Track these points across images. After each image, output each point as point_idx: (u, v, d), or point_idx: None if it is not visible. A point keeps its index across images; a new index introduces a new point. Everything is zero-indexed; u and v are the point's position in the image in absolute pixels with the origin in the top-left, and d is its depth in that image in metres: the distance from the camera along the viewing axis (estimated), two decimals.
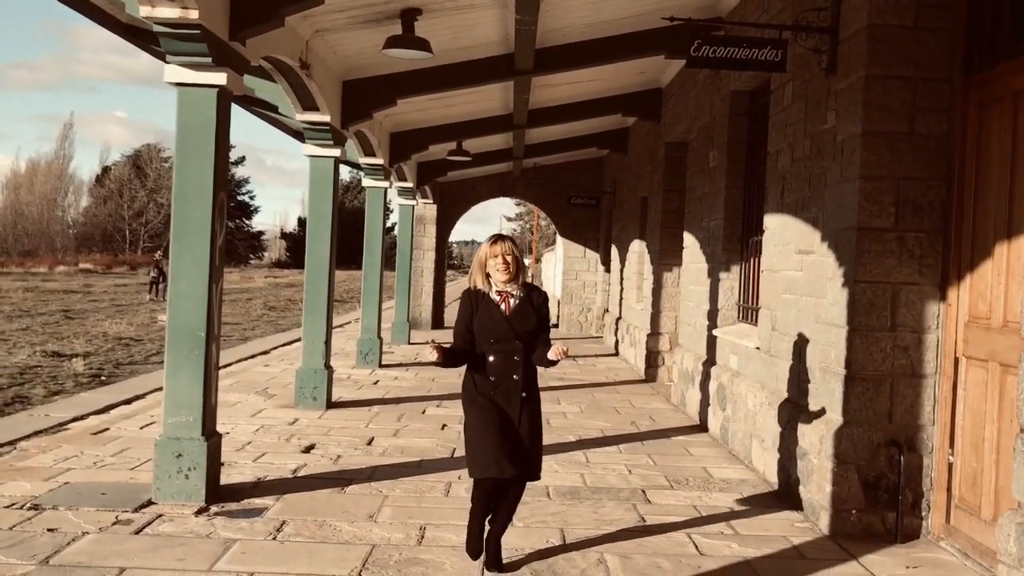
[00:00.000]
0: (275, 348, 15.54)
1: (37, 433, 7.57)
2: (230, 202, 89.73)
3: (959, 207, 5.34)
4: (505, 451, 4.44)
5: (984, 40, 5.21)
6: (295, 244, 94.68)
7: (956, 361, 5.32)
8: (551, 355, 4.43)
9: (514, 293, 4.59)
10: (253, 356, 14.29)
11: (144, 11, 5.13)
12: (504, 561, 4.69)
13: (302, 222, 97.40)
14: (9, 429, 7.70)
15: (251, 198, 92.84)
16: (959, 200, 5.34)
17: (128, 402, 9.27)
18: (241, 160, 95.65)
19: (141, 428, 7.94)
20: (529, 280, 4.76)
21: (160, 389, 9.94)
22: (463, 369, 4.70)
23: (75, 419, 8.25)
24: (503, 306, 4.58)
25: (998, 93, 5.02)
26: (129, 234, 79.79)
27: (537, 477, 4.70)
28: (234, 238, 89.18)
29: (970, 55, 5.34)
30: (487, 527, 4.72)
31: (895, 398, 5.46)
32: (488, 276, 4.61)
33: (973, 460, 5.11)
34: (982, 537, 4.88)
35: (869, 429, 5.45)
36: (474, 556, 4.72)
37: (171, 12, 5.11)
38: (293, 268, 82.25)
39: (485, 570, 4.65)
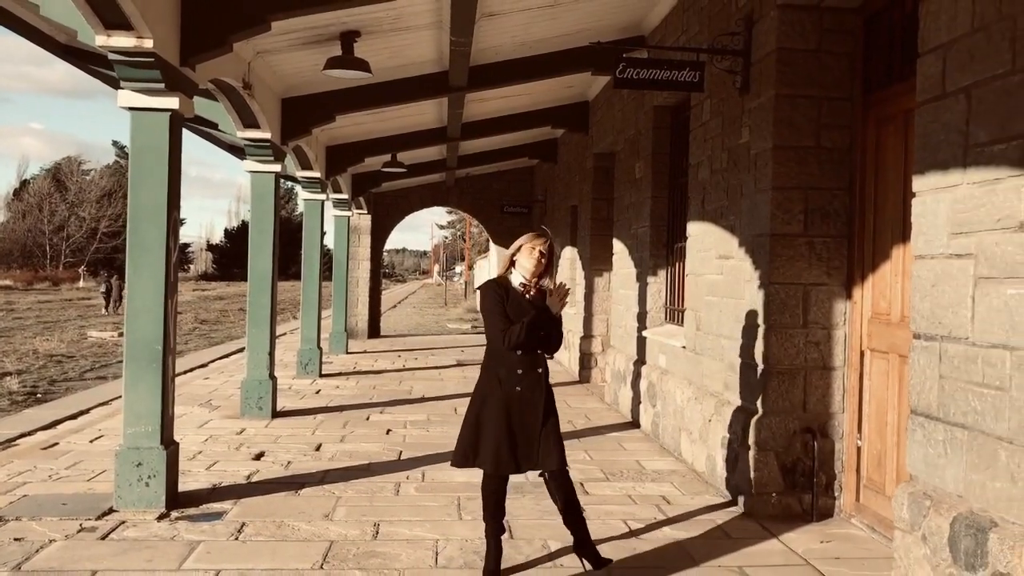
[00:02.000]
0: (213, 361, 15.60)
1: None
2: None
3: (861, 214, 5.89)
4: (525, 448, 4.56)
5: (880, 63, 5.77)
6: (222, 256, 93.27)
7: (862, 354, 5.86)
8: (553, 304, 4.55)
9: (535, 285, 4.64)
10: (192, 369, 14.36)
11: (100, 40, 5.37)
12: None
13: (229, 234, 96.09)
14: None
15: None
16: (861, 207, 5.89)
17: (74, 417, 9.36)
18: None
19: (91, 442, 8.08)
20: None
21: (104, 404, 10.20)
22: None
23: (22, 435, 8.33)
24: (528, 296, 4.62)
25: (892, 111, 5.57)
26: (50, 249, 77.70)
27: (561, 466, 4.63)
28: None
29: (868, 76, 5.90)
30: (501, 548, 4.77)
31: (808, 389, 5.98)
32: (513, 264, 4.67)
33: (878, 443, 5.65)
34: (887, 512, 5.41)
35: (786, 418, 5.97)
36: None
37: (127, 41, 5.37)
38: (220, 280, 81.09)
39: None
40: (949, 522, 3.70)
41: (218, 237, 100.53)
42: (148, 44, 5.41)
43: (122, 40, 5.37)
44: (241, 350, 17.03)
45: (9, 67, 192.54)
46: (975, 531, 3.52)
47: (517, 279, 4.65)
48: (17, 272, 67.43)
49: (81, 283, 64.99)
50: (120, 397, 10.39)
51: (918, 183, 4.11)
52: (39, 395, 12.55)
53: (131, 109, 5.77)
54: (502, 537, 4.81)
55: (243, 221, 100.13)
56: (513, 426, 4.57)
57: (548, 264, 4.65)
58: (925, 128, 4.05)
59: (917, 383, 4.09)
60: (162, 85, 5.70)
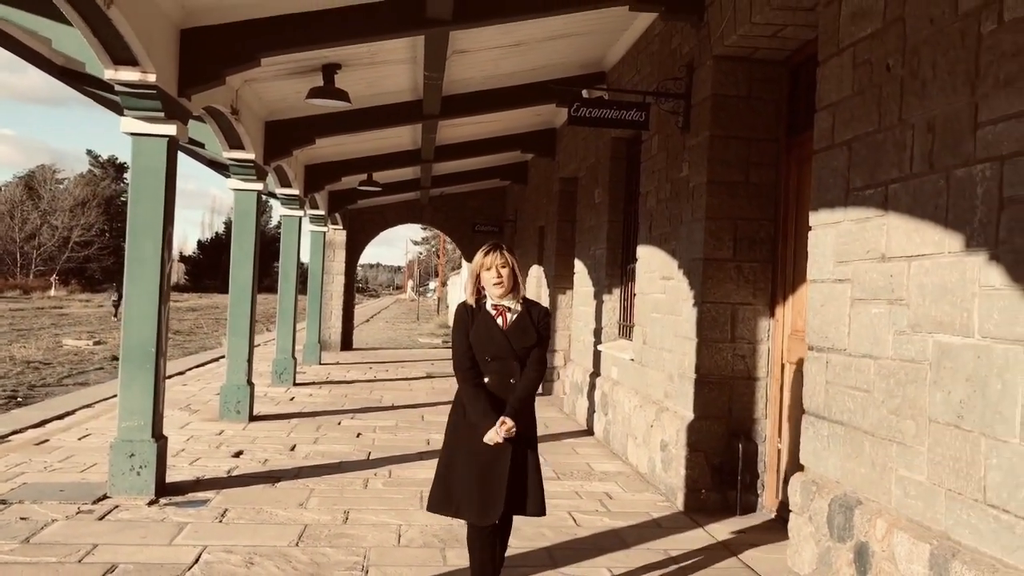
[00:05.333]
0: (190, 369, 16.13)
1: None
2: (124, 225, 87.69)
3: (784, 242, 6.64)
4: (491, 492, 4.09)
5: (802, 110, 6.53)
6: (195, 267, 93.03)
7: (782, 366, 6.60)
8: (502, 430, 4.05)
9: (511, 307, 4.21)
10: (170, 376, 14.86)
11: (108, 74, 6.02)
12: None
13: (202, 245, 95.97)
14: None
15: None
16: (784, 236, 6.65)
17: (60, 417, 9.90)
18: None
19: (79, 439, 8.64)
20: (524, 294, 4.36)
21: (88, 406, 10.75)
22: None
23: (14, 432, 8.89)
24: (500, 320, 4.20)
25: (809, 153, 6.32)
26: (20, 257, 77.38)
27: (538, 514, 4.26)
28: None
29: (792, 121, 6.67)
30: None
31: (735, 397, 6.71)
32: (481, 289, 4.24)
33: (795, 446, 6.37)
34: None
35: (715, 423, 6.69)
36: None
37: (132, 76, 6.03)
38: (193, 292, 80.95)
39: None
40: (828, 503, 4.43)
41: (191, 248, 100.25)
42: (151, 78, 6.07)
43: (128, 75, 6.03)
44: (216, 360, 17.60)
45: None
46: (845, 509, 4.25)
47: (490, 303, 4.23)
48: None
49: (52, 291, 64.87)
50: (103, 400, 11.07)
51: (813, 218, 4.85)
52: (19, 399, 13.04)
53: (133, 135, 6.42)
54: None
55: (217, 233, 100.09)
56: (479, 466, 4.13)
57: (513, 277, 4.19)
58: (819, 172, 4.81)
59: (809, 388, 4.82)
60: (162, 114, 6.36)
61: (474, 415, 4.13)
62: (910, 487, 3.81)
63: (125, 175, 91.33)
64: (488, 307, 4.23)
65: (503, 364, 4.17)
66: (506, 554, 4.55)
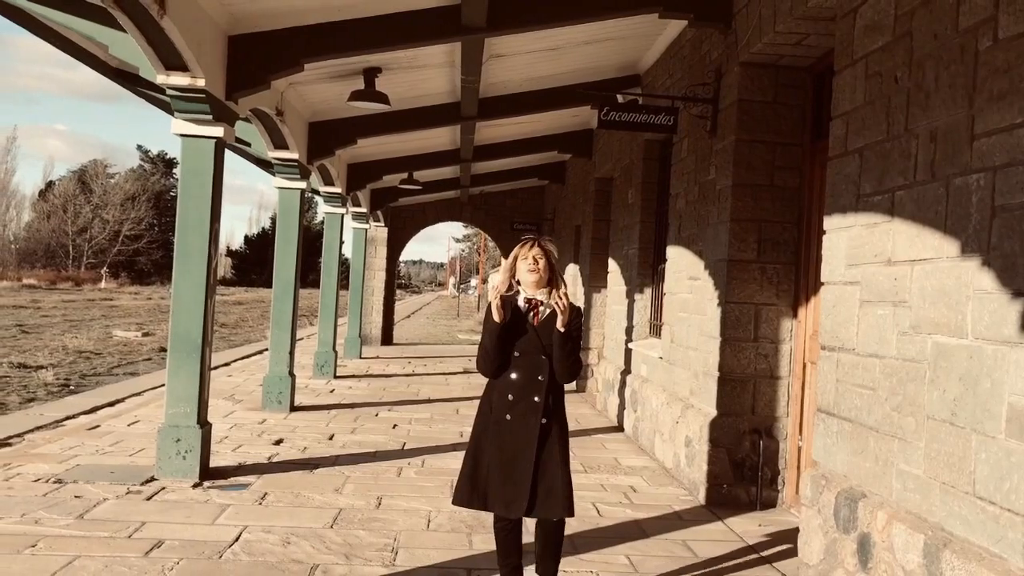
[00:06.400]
0: (235, 361, 16.61)
1: (38, 428, 8.65)
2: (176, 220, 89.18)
3: (807, 244, 6.80)
4: (516, 486, 4.11)
5: (824, 114, 6.67)
6: (241, 262, 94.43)
7: (804, 366, 6.76)
8: (558, 324, 4.10)
9: (545, 302, 4.19)
10: (216, 367, 15.34)
11: (160, 79, 6.39)
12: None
13: (248, 240, 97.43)
14: (13, 425, 8.78)
15: None
16: (807, 239, 6.81)
17: (111, 404, 10.36)
18: None
19: (128, 425, 9.06)
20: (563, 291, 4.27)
21: (137, 394, 11.21)
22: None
23: (68, 417, 9.34)
24: (531, 315, 4.20)
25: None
26: (72, 250, 79.27)
27: (563, 514, 4.22)
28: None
29: (816, 125, 6.82)
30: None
31: (757, 395, 6.89)
32: (517, 282, 4.23)
33: None
34: None
35: (737, 420, 6.87)
36: None
37: (182, 80, 6.38)
38: (239, 286, 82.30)
39: None
40: (835, 496, 4.61)
41: (238, 243, 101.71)
42: (200, 83, 6.42)
43: (179, 79, 6.38)
44: (260, 352, 18.07)
45: (35, 68, 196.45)
46: (850, 502, 4.43)
47: (523, 297, 4.23)
48: (40, 272, 68.97)
49: (103, 284, 66.47)
50: (151, 389, 11.53)
51: (827, 223, 5.03)
52: (71, 387, 13.58)
53: (183, 136, 6.77)
54: None
55: (263, 228, 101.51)
56: (503, 461, 4.16)
57: (550, 269, 4.19)
58: (833, 178, 4.98)
59: (821, 386, 5.01)
60: (210, 116, 6.70)
61: (498, 346, 4.15)
62: (909, 481, 3.99)
63: (174, 170, 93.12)
64: (521, 302, 4.21)
65: (531, 360, 4.15)
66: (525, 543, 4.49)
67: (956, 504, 3.61)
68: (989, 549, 3.37)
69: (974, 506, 3.49)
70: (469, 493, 4.22)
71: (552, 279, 4.20)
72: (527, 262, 4.15)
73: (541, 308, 4.17)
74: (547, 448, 4.13)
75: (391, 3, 6.99)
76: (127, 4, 5.36)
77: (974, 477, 3.50)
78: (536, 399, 4.13)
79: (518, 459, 4.11)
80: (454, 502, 4.35)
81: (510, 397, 4.15)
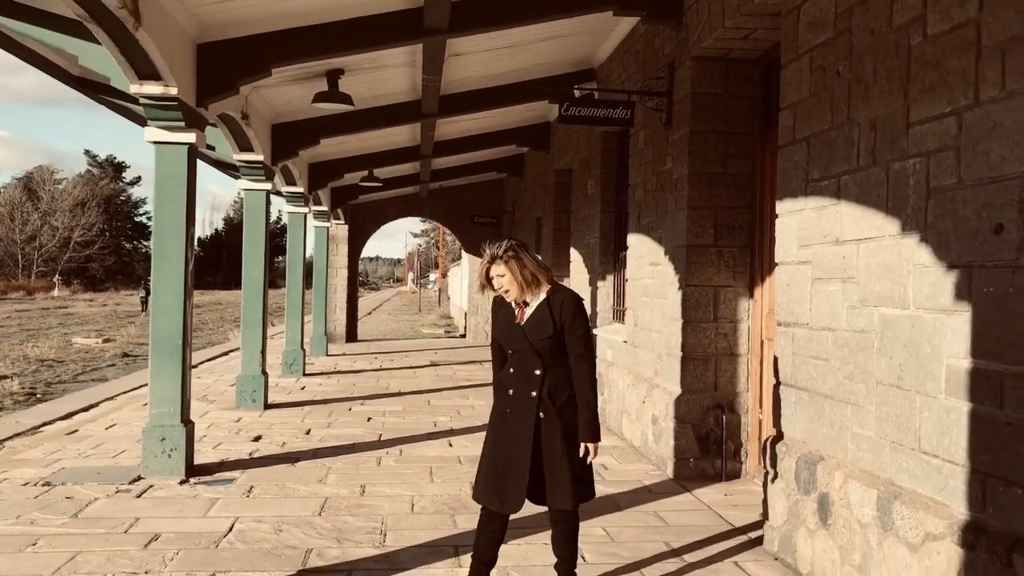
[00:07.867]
0: (202, 363, 16.66)
1: (17, 435, 8.75)
2: (127, 224, 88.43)
3: (760, 228, 7.17)
4: (511, 484, 4.14)
5: (773, 104, 7.03)
6: (198, 264, 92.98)
7: (762, 343, 7.13)
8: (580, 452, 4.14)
9: (529, 300, 4.21)
10: None
11: (133, 88, 6.55)
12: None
13: (202, 243, 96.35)
14: None
15: (148, 219, 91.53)
16: (760, 223, 7.17)
17: (85, 409, 10.45)
18: (137, 180, 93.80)
19: (106, 429, 9.19)
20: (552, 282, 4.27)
21: (110, 399, 11.31)
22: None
23: (44, 424, 9.43)
24: (518, 313, 4.23)
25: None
26: (22, 258, 77.88)
27: (563, 505, 4.17)
28: (131, 260, 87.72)
29: (765, 114, 7.18)
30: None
31: (718, 372, 7.25)
32: (491, 281, 4.26)
33: (775, 416, 6.91)
34: None
35: (700, 396, 7.23)
36: None
37: (156, 89, 6.55)
38: (196, 289, 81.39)
39: None
40: (795, 461, 4.97)
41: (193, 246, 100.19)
42: (173, 91, 6.59)
43: (152, 88, 6.55)
44: (225, 354, 18.15)
45: None
46: (809, 464, 4.79)
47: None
48: None
49: (56, 292, 65.43)
50: (123, 393, 11.62)
51: (779, 207, 5.38)
52: (38, 395, 13.62)
53: (156, 143, 6.94)
54: None
55: (216, 230, 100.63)
56: (500, 455, 4.21)
57: (521, 275, 4.14)
58: (783, 165, 5.33)
59: (779, 359, 5.36)
60: (183, 123, 6.88)
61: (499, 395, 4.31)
62: (862, 442, 4.35)
63: (123, 174, 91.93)
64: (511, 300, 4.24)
65: (524, 357, 4.16)
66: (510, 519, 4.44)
67: (904, 459, 3.97)
68: (934, 498, 3.73)
69: (920, 460, 3.85)
70: (484, 491, 4.27)
71: (525, 283, 4.14)
72: (495, 282, 4.19)
73: (526, 307, 4.20)
74: (547, 441, 4.12)
75: (355, 8, 7.21)
76: (103, 17, 5.52)
77: (919, 434, 3.86)
78: (532, 394, 4.13)
79: (512, 453, 4.15)
80: (474, 498, 4.37)
81: (510, 392, 4.22)
